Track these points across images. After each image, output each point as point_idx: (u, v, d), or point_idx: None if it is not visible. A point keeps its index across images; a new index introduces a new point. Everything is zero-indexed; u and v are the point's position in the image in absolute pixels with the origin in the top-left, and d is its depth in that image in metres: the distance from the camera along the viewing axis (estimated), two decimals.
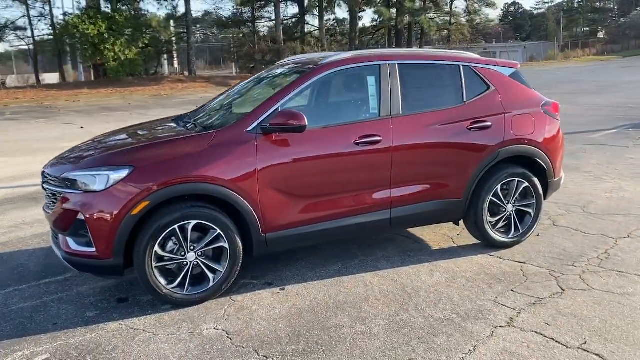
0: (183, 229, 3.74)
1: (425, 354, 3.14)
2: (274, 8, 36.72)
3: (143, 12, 31.94)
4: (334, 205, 4.16)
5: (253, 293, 4.07)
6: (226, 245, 3.86)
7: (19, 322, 3.70)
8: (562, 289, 3.96)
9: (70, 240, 3.77)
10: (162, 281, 3.76)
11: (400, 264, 4.52)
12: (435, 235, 5.21)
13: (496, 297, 3.85)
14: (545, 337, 3.30)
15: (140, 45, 30.33)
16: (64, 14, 30.06)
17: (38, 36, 31.39)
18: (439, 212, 4.53)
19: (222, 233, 3.83)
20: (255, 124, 3.92)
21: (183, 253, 3.78)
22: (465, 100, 4.59)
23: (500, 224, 4.79)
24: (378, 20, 42.07)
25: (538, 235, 5.12)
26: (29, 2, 30.64)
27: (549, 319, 3.51)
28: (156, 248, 3.68)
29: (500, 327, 3.44)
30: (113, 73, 29.35)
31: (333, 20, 41.73)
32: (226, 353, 3.23)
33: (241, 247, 3.92)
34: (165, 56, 38.20)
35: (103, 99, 23.82)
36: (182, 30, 35.31)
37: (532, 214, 4.85)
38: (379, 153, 4.20)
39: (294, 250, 4.81)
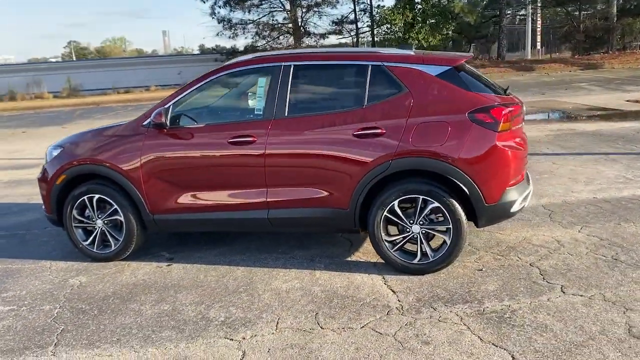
0: (90, 200, 4.73)
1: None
2: None
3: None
4: (212, 198, 4.48)
5: (146, 262, 4.78)
6: (122, 219, 4.69)
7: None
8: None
9: None
10: (79, 238, 4.84)
11: (290, 266, 4.48)
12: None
13: (293, 319, 3.63)
14: None
15: (445, 32, 31.04)
16: (377, 7, 32.86)
17: (359, 28, 35.33)
18: (325, 219, 4.28)
19: (118, 208, 4.67)
20: (149, 119, 4.57)
21: (93, 219, 4.78)
22: (365, 103, 4.15)
23: (408, 246, 4.17)
24: None
25: (481, 269, 4.19)
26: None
27: None
28: (74, 212, 4.78)
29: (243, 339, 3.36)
30: None
31: None
32: (59, 298, 4.15)
33: (134, 223, 4.67)
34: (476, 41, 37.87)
35: None
36: (491, 13, 34.43)
37: (448, 242, 4.05)
38: (251, 154, 4.29)
39: (236, 237, 5.22)
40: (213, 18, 34.89)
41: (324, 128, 4.17)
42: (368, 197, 4.12)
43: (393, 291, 3.91)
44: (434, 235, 4.13)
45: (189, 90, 4.57)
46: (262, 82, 4.45)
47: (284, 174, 4.28)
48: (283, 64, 4.37)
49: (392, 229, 4.25)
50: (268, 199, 4.33)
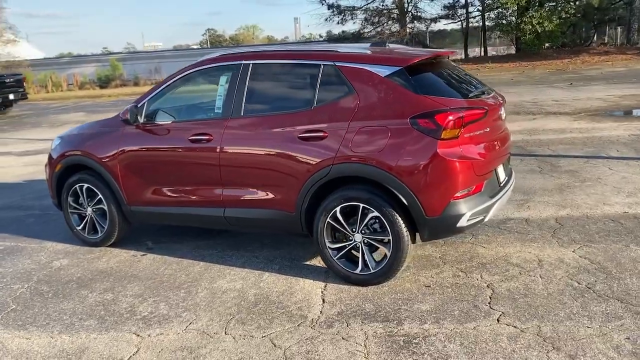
0: (81, 189, 5.07)
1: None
2: None
3: None
4: (177, 193, 4.61)
5: (127, 250, 5.03)
6: (105, 208, 4.98)
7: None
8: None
9: None
10: (74, 223, 5.23)
11: (246, 266, 4.48)
12: None
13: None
14: None
15: (564, 15, 28.60)
16: None
17: (469, 13, 33.71)
18: (275, 222, 4.21)
19: (102, 198, 4.97)
20: (128, 115, 4.78)
21: (84, 207, 5.13)
22: (314, 105, 4.00)
23: (353, 255, 3.98)
24: None
25: (429, 286, 3.89)
26: None
27: None
28: (69, 199, 5.17)
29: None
30: (528, 46, 29.04)
31: None
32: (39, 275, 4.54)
33: (115, 213, 4.94)
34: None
35: (492, 73, 24.29)
36: None
37: (389, 254, 3.81)
38: (208, 152, 4.33)
39: (222, 232, 5.30)
40: (323, 4, 35.29)
41: (274, 129, 4.08)
42: (314, 201, 3.98)
43: (323, 301, 3.77)
44: (378, 246, 3.90)
45: (163, 87, 4.70)
46: (224, 80, 4.45)
47: (237, 173, 4.27)
48: (243, 62, 4.34)
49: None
50: (223, 198, 4.35)
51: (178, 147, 4.49)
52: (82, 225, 5.16)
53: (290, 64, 4.25)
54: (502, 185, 4.14)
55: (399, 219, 3.70)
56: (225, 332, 3.42)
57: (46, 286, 4.33)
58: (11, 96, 20.20)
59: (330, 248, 4.00)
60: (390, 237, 3.76)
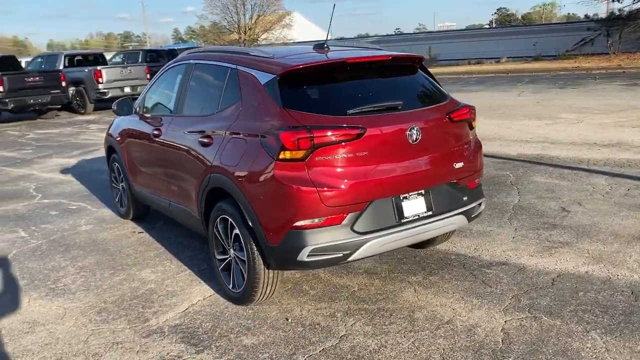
0: (114, 167, 5.87)
1: None
2: None
3: None
4: (148, 180, 5.01)
5: (134, 226, 5.65)
6: (121, 187, 5.70)
7: None
8: None
9: None
10: (115, 196, 6.08)
11: (186, 261, 4.65)
12: None
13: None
14: None
15: None
16: None
17: None
18: (193, 221, 4.27)
19: (119, 177, 5.70)
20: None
21: (116, 183, 5.93)
22: (217, 109, 3.91)
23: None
24: None
25: (287, 319, 3.51)
26: None
27: None
28: (112, 174, 6.04)
29: None
30: None
31: None
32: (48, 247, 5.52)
33: (129, 191, 5.59)
34: None
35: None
36: None
37: (246, 277, 3.56)
38: (158, 146, 4.61)
39: None
40: None
41: (188, 130, 4.12)
42: (207, 208, 3.93)
43: (185, 310, 3.73)
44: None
45: (153, 82, 5.10)
46: (179, 78, 4.60)
47: (171, 170, 4.44)
48: (190, 61, 4.44)
49: None
50: (168, 191, 4.58)
51: (147, 138, 4.84)
52: (117, 198, 5.97)
53: (211, 66, 4.17)
54: (407, 220, 3.41)
55: (252, 240, 3.42)
56: (77, 319, 3.70)
57: (49, 245, 5.20)
58: None
59: (217, 258, 3.90)
60: (246, 258, 3.50)
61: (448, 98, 3.83)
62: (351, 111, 3.32)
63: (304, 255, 3.18)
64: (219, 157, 3.60)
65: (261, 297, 3.56)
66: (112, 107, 5.37)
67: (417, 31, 69.13)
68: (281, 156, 3.14)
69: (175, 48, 26.53)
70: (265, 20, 42.88)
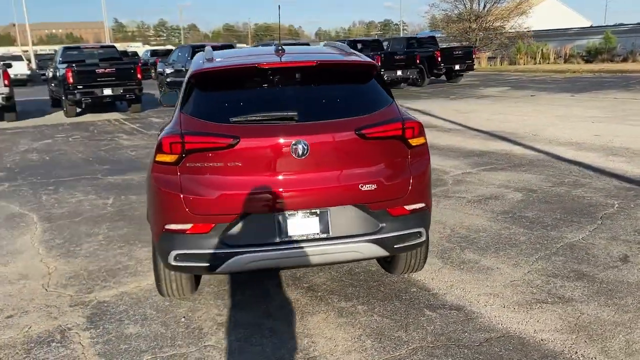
0: None
1: None
2: None
3: None
4: None
5: None
6: None
7: None
8: None
9: None
10: None
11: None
12: None
13: None
14: None
15: None
16: None
17: None
18: None
19: None
20: None
21: None
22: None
23: None
24: None
25: (185, 317, 3.59)
26: None
27: None
28: None
29: None
30: None
31: None
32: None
33: None
34: None
35: None
36: None
37: None
38: None
39: None
40: None
41: None
42: None
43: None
44: None
45: None
46: None
47: None
48: None
49: None
50: None
51: None
52: None
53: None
54: (292, 240, 3.17)
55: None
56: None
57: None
58: (456, 67, 22.34)
59: None
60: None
61: (379, 110, 3.36)
62: (235, 119, 3.20)
63: (171, 259, 3.22)
64: None
65: (168, 291, 3.67)
66: None
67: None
68: (158, 158, 3.21)
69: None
70: (500, 9, 40.65)
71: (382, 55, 20.08)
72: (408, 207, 3.32)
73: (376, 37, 33.68)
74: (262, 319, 3.51)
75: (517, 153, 8.28)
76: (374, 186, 3.20)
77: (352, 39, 25.74)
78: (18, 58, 30.48)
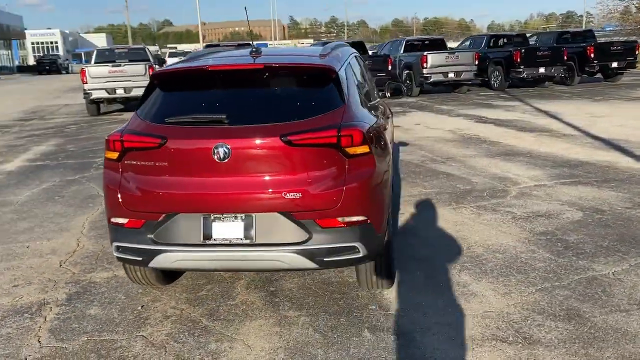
0: None
1: None
2: None
3: None
4: None
5: None
6: None
7: None
8: None
9: None
10: None
11: None
12: None
13: None
14: None
15: None
16: None
17: None
18: None
19: None
20: None
21: None
22: None
23: None
24: None
25: (140, 307, 3.78)
26: None
27: None
28: None
29: None
30: None
31: None
32: None
33: None
34: None
35: None
36: None
37: None
38: None
39: None
40: None
41: None
42: None
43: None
44: None
45: None
46: None
47: None
48: None
49: None
50: None
51: None
52: None
53: None
54: (215, 243, 3.18)
55: None
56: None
57: None
58: (614, 64, 19.95)
59: None
60: None
61: (320, 115, 3.19)
62: (169, 120, 3.27)
63: (114, 250, 3.42)
64: None
65: (134, 278, 3.87)
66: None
67: None
68: (105, 155, 3.42)
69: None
70: None
71: (522, 50, 18.65)
72: (342, 220, 3.12)
73: (518, 32, 31.10)
74: (205, 317, 3.56)
75: (621, 166, 7.19)
76: (298, 195, 3.06)
77: (493, 33, 24.37)
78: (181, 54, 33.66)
